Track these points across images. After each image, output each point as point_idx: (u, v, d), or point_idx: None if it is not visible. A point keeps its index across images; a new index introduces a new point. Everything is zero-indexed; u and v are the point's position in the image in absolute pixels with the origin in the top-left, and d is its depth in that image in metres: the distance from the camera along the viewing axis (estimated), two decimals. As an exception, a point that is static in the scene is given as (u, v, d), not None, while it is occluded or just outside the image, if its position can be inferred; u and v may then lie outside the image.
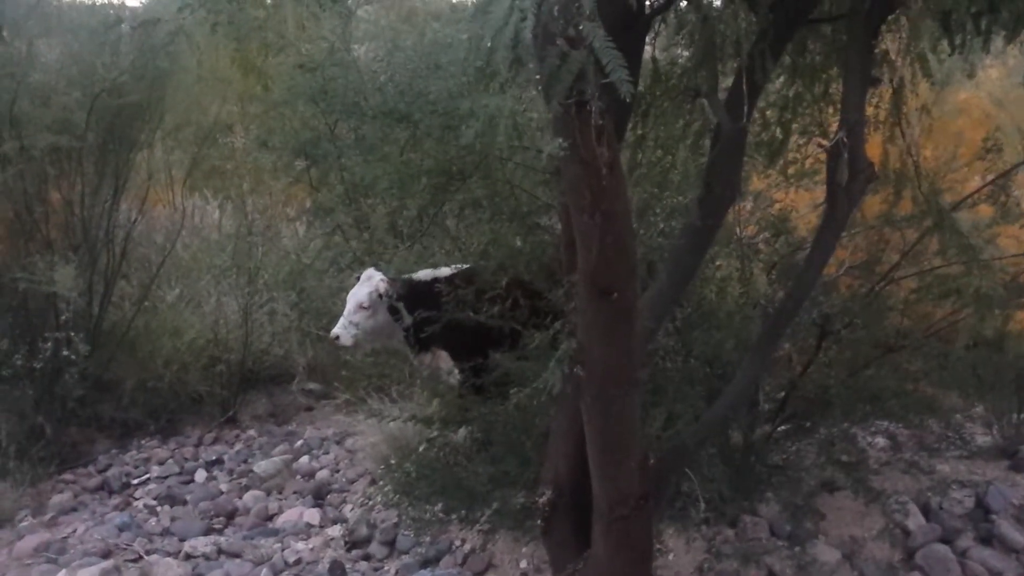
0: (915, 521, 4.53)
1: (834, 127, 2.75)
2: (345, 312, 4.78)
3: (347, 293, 4.88)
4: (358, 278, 4.86)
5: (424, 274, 4.75)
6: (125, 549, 5.06)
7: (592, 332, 2.80)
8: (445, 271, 4.70)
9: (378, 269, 4.84)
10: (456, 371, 4.94)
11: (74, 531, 5.40)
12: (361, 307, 4.73)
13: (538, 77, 2.15)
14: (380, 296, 4.70)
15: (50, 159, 6.39)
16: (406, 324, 4.75)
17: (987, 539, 4.49)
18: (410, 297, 4.67)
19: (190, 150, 7.28)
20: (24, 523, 5.55)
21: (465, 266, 4.65)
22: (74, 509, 5.81)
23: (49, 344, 6.09)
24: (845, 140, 2.61)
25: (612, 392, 2.91)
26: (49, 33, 6.58)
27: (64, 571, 4.81)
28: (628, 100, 2.11)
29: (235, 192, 7.59)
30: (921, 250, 3.81)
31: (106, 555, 4.99)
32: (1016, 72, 5.03)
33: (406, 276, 4.78)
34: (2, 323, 6.34)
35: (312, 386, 7.25)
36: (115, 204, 6.82)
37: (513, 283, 4.10)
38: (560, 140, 2.25)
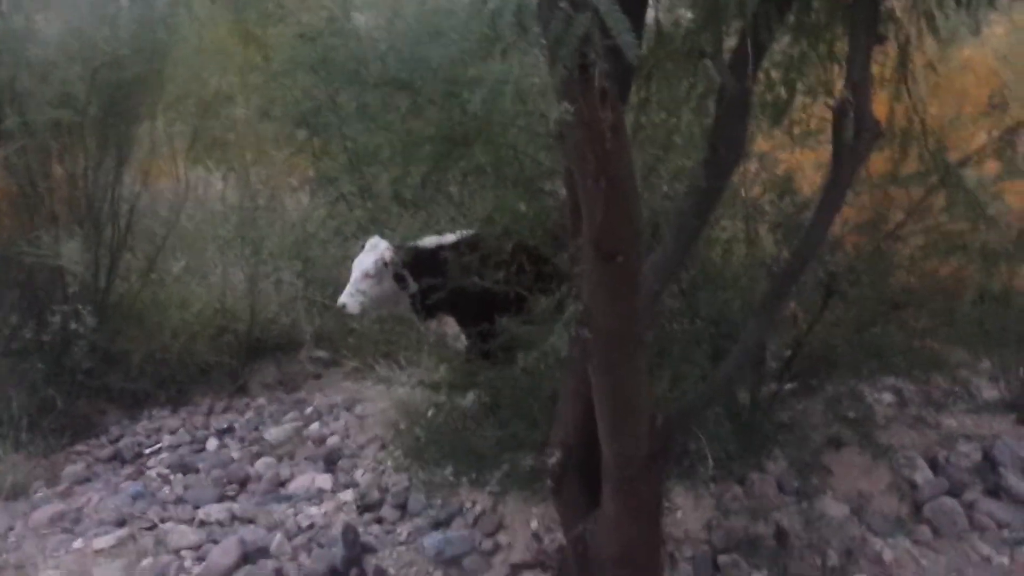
0: (922, 475, 4.58)
1: (840, 86, 2.74)
2: (351, 280, 4.79)
3: (352, 261, 4.88)
4: (363, 246, 4.86)
5: (429, 241, 4.75)
6: (140, 517, 5.13)
7: (598, 295, 2.81)
8: (450, 238, 4.70)
9: (383, 237, 4.85)
10: (463, 336, 4.96)
11: (88, 501, 5.46)
12: (367, 275, 4.74)
13: (543, 41, 2.13)
14: (385, 264, 4.71)
15: (52, 133, 6.38)
16: (412, 291, 4.76)
17: (994, 492, 4.54)
18: (415, 264, 4.67)
19: (192, 122, 7.25)
20: (39, 494, 5.62)
21: (470, 232, 4.65)
22: (88, 479, 5.87)
23: (57, 317, 6.13)
24: (851, 98, 2.60)
25: (618, 354, 2.93)
26: (48, 7, 6.53)
27: (80, 540, 4.88)
28: (634, 63, 2.10)
29: (238, 163, 7.56)
30: (927, 207, 3.80)
31: (121, 524, 5.07)
32: (1022, 28, 4.99)
33: (411, 244, 4.79)
34: (10, 297, 6.38)
35: (320, 354, 7.28)
36: (119, 177, 6.81)
37: (518, 248, 4.11)
38: (565, 104, 2.24)
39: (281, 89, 6.25)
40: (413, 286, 4.71)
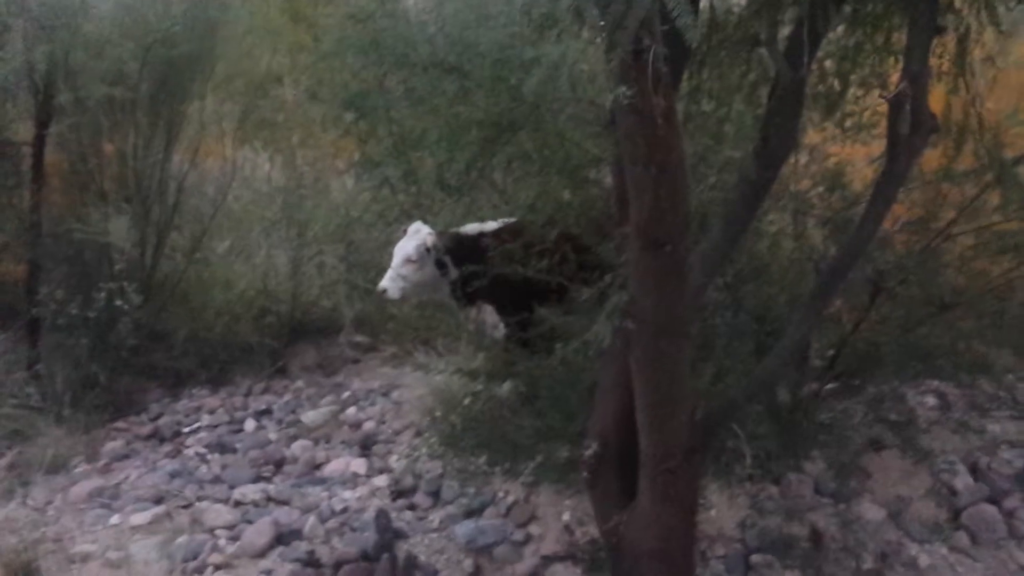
0: (963, 481, 4.49)
1: (895, 78, 2.69)
2: (392, 265, 4.80)
3: (395, 246, 4.89)
4: (405, 231, 4.87)
5: (471, 228, 4.74)
6: (176, 495, 5.19)
7: (643, 285, 2.79)
8: (492, 225, 4.69)
9: (425, 223, 4.85)
10: (502, 325, 4.95)
11: (127, 477, 5.54)
12: (408, 260, 4.74)
13: (601, 24, 2.11)
14: (427, 250, 4.71)
15: (104, 110, 6.45)
16: (452, 278, 4.76)
17: (1035, 500, 4.44)
18: (457, 251, 4.67)
19: (241, 101, 7.30)
20: (78, 469, 5.70)
21: (512, 220, 4.63)
22: (127, 456, 5.95)
23: (103, 294, 6.21)
24: (908, 91, 2.55)
25: (662, 346, 2.90)
26: (103, -17, 6.61)
27: (117, 516, 4.95)
28: (692, 46, 2.07)
29: (285, 144, 7.61)
30: (980, 205, 3.73)
31: (158, 501, 5.13)
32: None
33: (453, 230, 4.78)
34: (57, 273, 6.47)
35: (359, 338, 7.30)
36: (167, 155, 6.89)
37: (561, 237, 4.09)
38: (622, 88, 2.21)
39: (330, 70, 6.27)
40: (454, 272, 4.70)
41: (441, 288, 4.89)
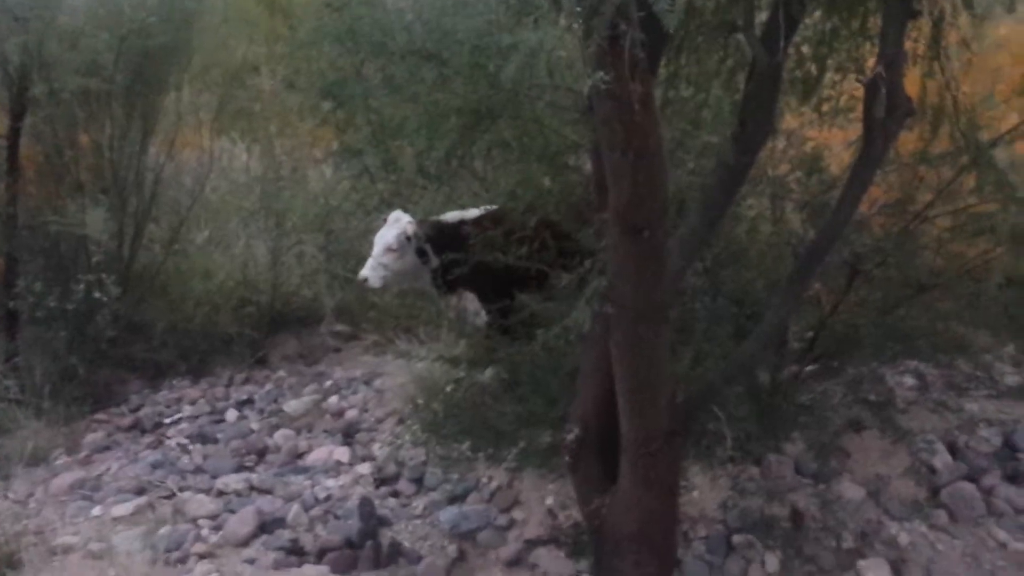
0: (941, 459, 4.55)
1: (871, 62, 2.70)
2: (373, 254, 4.80)
3: (375, 235, 4.88)
4: (386, 220, 4.86)
5: (452, 216, 4.74)
6: (158, 486, 5.17)
7: (622, 270, 2.81)
8: (473, 212, 4.70)
9: (406, 211, 4.84)
10: (483, 312, 4.96)
11: (108, 469, 5.52)
12: (389, 249, 4.74)
13: (578, 10, 2.11)
14: (408, 238, 4.71)
15: (79, 102, 6.40)
16: (433, 266, 4.76)
17: (1013, 477, 4.50)
18: (437, 239, 4.67)
19: (217, 92, 7.25)
20: (59, 461, 5.68)
21: (493, 207, 4.64)
22: (108, 448, 5.92)
23: (81, 286, 6.16)
24: (883, 75, 2.57)
25: (642, 330, 2.92)
26: (76, -26, 6.54)
27: (99, 507, 4.93)
28: (668, 32, 2.08)
29: (263, 134, 7.57)
30: (956, 188, 3.76)
31: (140, 492, 5.11)
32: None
33: (434, 218, 4.78)
34: (35, 265, 6.41)
35: (340, 327, 7.29)
36: (144, 147, 6.83)
37: (541, 224, 4.10)
38: (599, 74, 2.22)
39: (306, 59, 6.24)
40: (434, 261, 4.71)
41: (422, 276, 4.89)
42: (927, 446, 4.45)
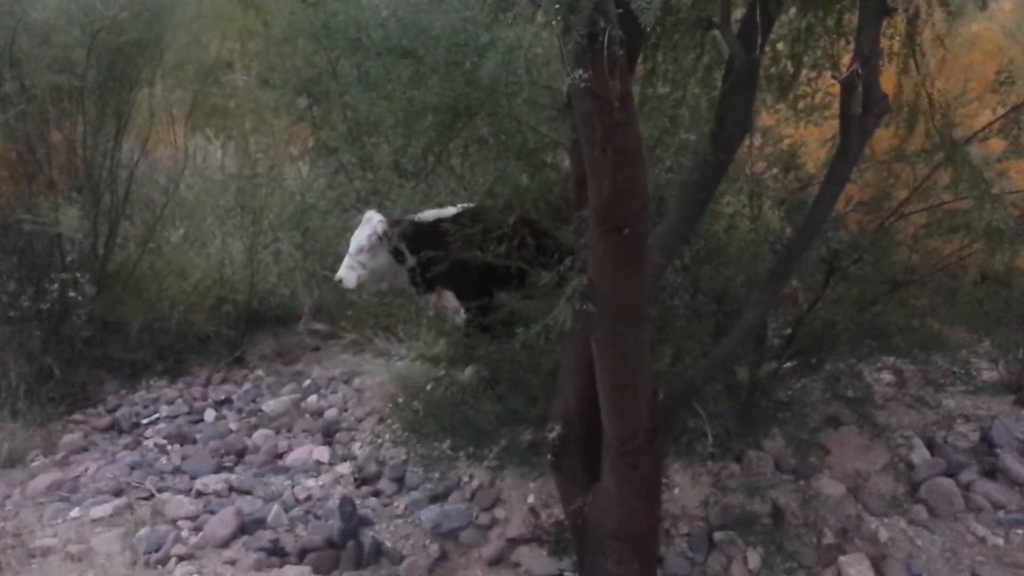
0: (919, 455, 4.58)
1: (847, 59, 2.71)
2: (348, 254, 4.78)
3: (351, 234, 4.86)
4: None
5: (428, 214, 4.72)
6: (137, 487, 5.13)
7: (602, 268, 2.79)
8: (450, 211, 4.68)
9: (382, 210, 4.81)
10: (462, 311, 4.95)
11: (86, 470, 5.47)
12: (361, 249, 4.72)
13: (556, 7, 2.09)
14: (380, 238, 4.69)
15: (51, 99, 6.33)
16: (410, 265, 4.74)
17: (991, 472, 4.55)
18: (413, 238, 4.65)
19: (191, 89, 7.20)
20: (36, 463, 5.62)
21: (470, 205, 4.62)
22: (85, 449, 5.87)
23: (55, 285, 6.10)
24: (859, 72, 2.58)
25: (622, 328, 2.91)
26: (47, -31, 6.46)
27: (77, 509, 4.89)
28: (645, 29, 2.07)
29: (237, 132, 7.52)
30: (931, 185, 3.78)
31: (118, 493, 5.07)
32: (1030, 4, 4.95)
33: (410, 217, 4.76)
34: (8, 265, 6.33)
35: (318, 326, 7.25)
36: (117, 144, 6.76)
37: (519, 222, 4.09)
38: (579, 72, 2.21)
39: (281, 56, 6.21)
40: (411, 260, 4.69)
41: (399, 275, 4.87)
42: (905, 442, 4.48)
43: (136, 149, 7.01)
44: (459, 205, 4.71)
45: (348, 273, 4.74)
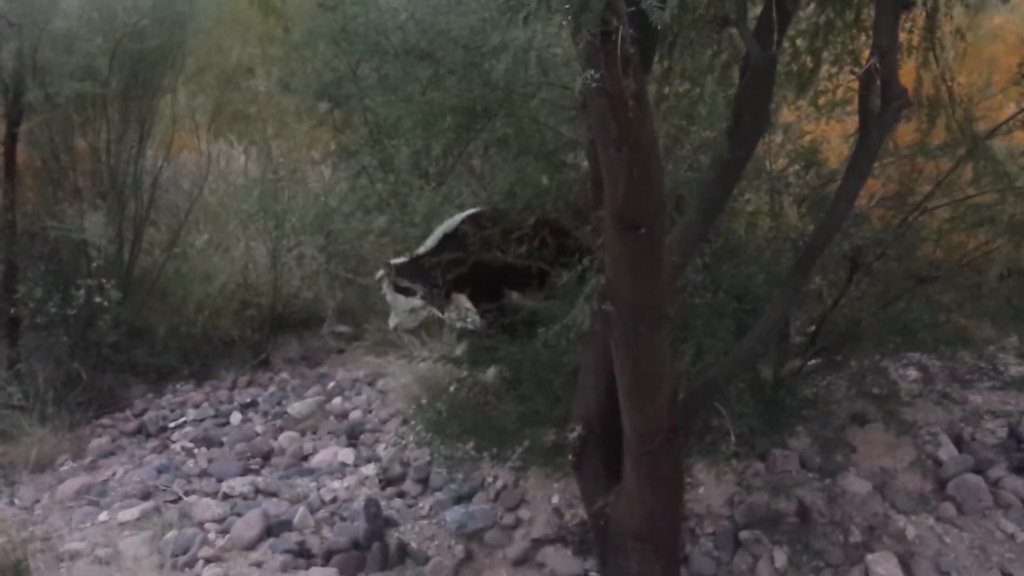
0: (947, 452, 4.53)
1: (866, 55, 2.68)
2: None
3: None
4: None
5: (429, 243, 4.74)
6: (164, 490, 5.18)
7: (620, 268, 2.78)
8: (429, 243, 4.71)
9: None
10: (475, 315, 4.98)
11: (114, 474, 5.53)
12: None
13: (567, 7, 2.09)
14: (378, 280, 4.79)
15: (75, 107, 6.40)
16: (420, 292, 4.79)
17: (1019, 469, 4.48)
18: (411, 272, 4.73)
19: (213, 95, 7.25)
20: (65, 467, 5.68)
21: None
22: (113, 453, 5.93)
23: (82, 291, 6.18)
24: (878, 67, 2.55)
25: (641, 327, 2.90)
26: (69, -22, 6.53)
27: (105, 512, 4.93)
28: (659, 28, 2.06)
29: (259, 136, 7.56)
30: (954, 179, 3.74)
31: (146, 496, 5.11)
32: (1053, -4, 4.89)
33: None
34: (35, 271, 6.42)
35: (342, 328, 7.29)
36: (141, 150, 6.83)
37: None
38: (591, 72, 2.20)
39: (302, 61, 6.23)
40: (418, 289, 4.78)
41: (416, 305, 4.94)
42: (932, 439, 4.42)
43: (160, 155, 7.08)
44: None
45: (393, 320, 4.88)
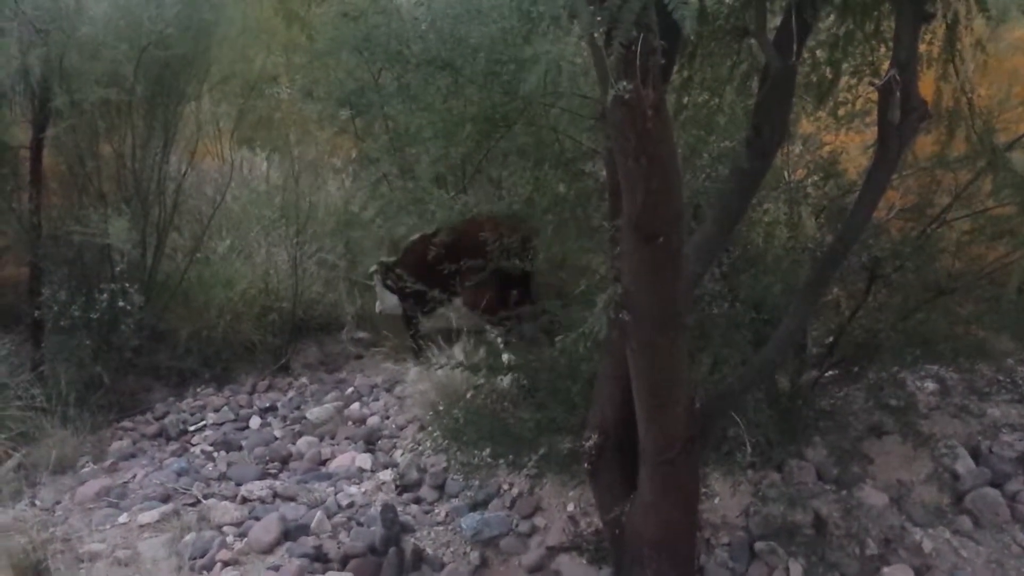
0: (964, 465, 4.50)
1: (886, 66, 2.69)
2: None
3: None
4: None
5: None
6: (184, 493, 5.21)
7: (638, 277, 2.79)
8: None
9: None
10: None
11: (134, 476, 5.57)
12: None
13: (598, 19, 2.09)
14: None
15: (100, 113, 6.47)
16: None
17: (1038, 483, 4.46)
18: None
19: (237, 102, 7.32)
20: (86, 469, 5.73)
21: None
22: (133, 455, 5.98)
23: (105, 295, 6.25)
24: (897, 78, 2.55)
25: (658, 337, 2.91)
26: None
27: (125, 515, 4.97)
28: (687, 37, 2.07)
29: (282, 143, 7.62)
30: (974, 191, 3.73)
31: (165, 499, 5.15)
32: (1075, 8, 4.86)
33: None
34: (59, 275, 6.48)
35: (361, 334, 7.32)
36: (165, 156, 6.90)
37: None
38: (621, 82, 2.21)
39: (324, 69, 6.28)
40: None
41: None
42: (949, 451, 4.40)
43: (183, 161, 7.15)
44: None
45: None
